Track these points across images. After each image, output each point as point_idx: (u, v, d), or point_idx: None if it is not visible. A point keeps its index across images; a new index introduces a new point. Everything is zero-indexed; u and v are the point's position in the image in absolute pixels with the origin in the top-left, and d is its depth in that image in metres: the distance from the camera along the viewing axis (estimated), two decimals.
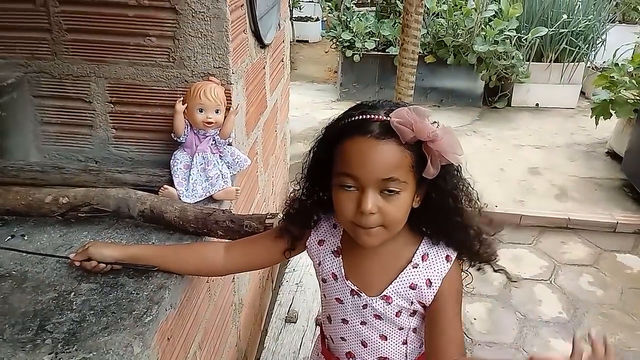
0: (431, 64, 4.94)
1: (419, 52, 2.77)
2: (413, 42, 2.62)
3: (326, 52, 6.55)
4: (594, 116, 3.86)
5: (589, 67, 5.20)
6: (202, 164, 1.32)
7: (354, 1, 5.65)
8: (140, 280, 1.02)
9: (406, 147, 0.84)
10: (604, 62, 4.91)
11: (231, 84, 1.37)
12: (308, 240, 1.06)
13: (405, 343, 1.04)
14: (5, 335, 0.85)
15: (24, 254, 1.06)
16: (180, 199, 1.27)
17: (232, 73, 1.37)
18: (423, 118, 0.83)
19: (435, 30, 4.78)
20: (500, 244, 2.98)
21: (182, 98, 1.31)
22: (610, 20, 5.39)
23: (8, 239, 1.13)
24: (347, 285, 1.01)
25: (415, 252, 0.97)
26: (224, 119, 1.32)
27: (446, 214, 0.93)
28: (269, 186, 2.14)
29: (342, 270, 1.02)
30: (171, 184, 1.30)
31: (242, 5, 1.44)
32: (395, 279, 0.97)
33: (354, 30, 4.98)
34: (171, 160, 1.33)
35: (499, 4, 4.69)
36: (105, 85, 1.38)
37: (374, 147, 0.84)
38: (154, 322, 0.92)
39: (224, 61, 1.34)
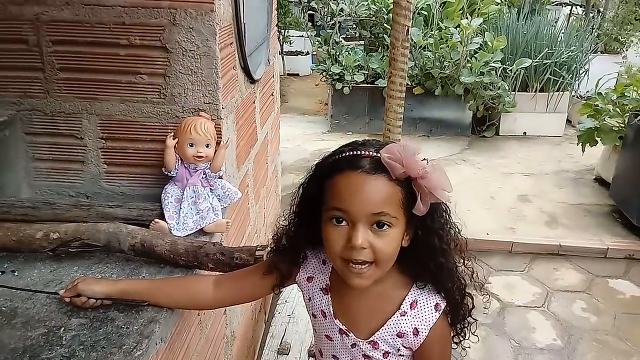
0: (419, 95, 5.03)
1: (407, 84, 2.84)
2: (400, 74, 2.68)
3: (316, 85, 6.66)
4: (581, 144, 3.93)
5: (574, 96, 5.32)
6: (192, 197, 1.34)
7: (342, 35, 5.78)
8: (130, 314, 1.02)
9: (396, 183, 0.85)
10: (587, 91, 5.03)
11: (221, 118, 1.40)
12: (297, 277, 1.06)
13: None
14: None
15: (14, 290, 1.06)
16: (171, 233, 1.28)
17: (222, 108, 1.40)
18: (413, 154, 0.84)
19: (423, 62, 4.89)
20: (492, 272, 2.97)
21: (172, 133, 1.34)
22: (593, 50, 5.54)
23: None
24: (336, 324, 1.01)
25: (404, 299, 0.96)
26: (215, 153, 1.35)
27: (431, 255, 0.93)
28: (261, 218, 2.16)
29: (331, 309, 1.01)
30: (162, 217, 1.31)
31: (231, 43, 1.49)
32: (383, 325, 0.96)
33: (343, 64, 5.08)
34: (162, 194, 1.34)
35: (484, 37, 4.82)
36: (97, 121, 1.40)
37: (365, 181, 0.85)
38: (144, 356, 0.92)
39: (214, 97, 1.37)
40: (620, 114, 3.73)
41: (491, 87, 4.79)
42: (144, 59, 1.34)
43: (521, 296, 2.79)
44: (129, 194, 1.45)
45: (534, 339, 2.47)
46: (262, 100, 2.10)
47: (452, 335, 1.00)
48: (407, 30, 2.57)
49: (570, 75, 5.13)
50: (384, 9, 5.14)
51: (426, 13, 5.16)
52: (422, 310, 0.95)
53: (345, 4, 5.35)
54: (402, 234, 0.89)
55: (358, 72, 5.10)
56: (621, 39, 6.18)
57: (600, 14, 6.64)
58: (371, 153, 0.87)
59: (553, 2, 7.36)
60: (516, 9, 5.94)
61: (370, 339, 0.97)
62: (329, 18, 5.51)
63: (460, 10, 5.21)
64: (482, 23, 4.93)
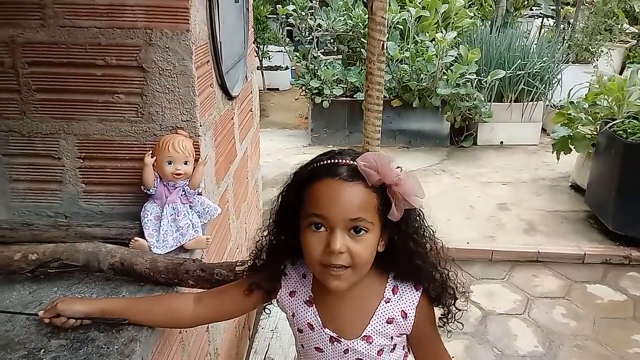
0: (398, 107, 5.10)
1: (385, 97, 2.88)
2: (377, 88, 2.72)
3: (296, 99, 6.70)
4: (555, 152, 4.02)
5: (548, 105, 5.45)
6: (172, 214, 1.34)
7: (320, 50, 5.84)
8: (110, 334, 1.02)
9: (372, 189, 0.89)
10: (560, 100, 5.15)
11: (199, 135, 1.41)
12: (279, 294, 1.06)
13: None
14: None
15: None
16: (151, 250, 1.29)
17: (200, 125, 1.42)
18: (387, 163, 0.89)
19: (400, 75, 4.97)
20: (474, 280, 3.01)
21: (151, 151, 1.35)
22: (564, 60, 5.69)
23: None
24: (326, 333, 1.02)
25: (385, 288, 1.01)
26: (193, 170, 1.36)
27: (408, 257, 0.97)
28: (242, 233, 2.16)
29: (319, 319, 1.02)
30: (142, 235, 1.31)
31: (208, 62, 1.51)
32: (372, 317, 1.00)
33: (322, 78, 5.13)
34: (141, 212, 1.35)
35: (459, 49, 4.92)
36: (75, 141, 1.40)
37: (342, 188, 0.88)
38: None
39: (191, 115, 1.39)
40: (592, 122, 3.83)
41: (467, 99, 4.88)
42: (120, 79, 1.35)
43: (502, 304, 2.82)
44: (108, 213, 1.45)
45: (516, 346, 2.49)
46: (241, 116, 2.11)
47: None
48: (383, 45, 2.62)
49: (544, 85, 5.25)
50: (360, 24, 5.21)
51: (402, 27, 5.25)
52: (404, 293, 1.01)
53: (323, 20, 5.42)
54: (378, 239, 0.93)
55: (337, 86, 5.16)
56: (591, 49, 6.35)
57: (571, 25, 6.83)
58: (348, 161, 0.91)
59: (525, 15, 7.55)
60: (489, 22, 6.08)
61: (363, 334, 1.00)
62: (307, 33, 5.57)
63: (435, 24, 5.32)
64: (456, 36, 5.03)
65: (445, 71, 4.86)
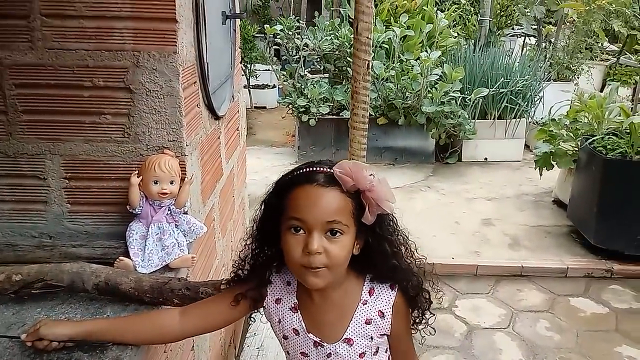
0: (383, 125, 5.16)
1: (371, 115, 2.93)
2: (363, 107, 2.76)
3: (283, 118, 6.74)
4: (538, 168, 4.09)
5: (530, 122, 5.55)
6: (158, 233, 1.35)
7: (307, 69, 5.91)
8: (94, 354, 1.02)
9: (347, 195, 0.97)
10: (542, 117, 5.25)
11: (185, 155, 1.43)
12: (265, 301, 1.11)
13: None
14: None
15: None
16: (136, 270, 1.29)
17: (186, 145, 1.44)
18: (361, 170, 0.96)
19: (386, 93, 5.04)
20: (459, 295, 3.04)
21: (137, 171, 1.36)
22: (546, 78, 5.81)
23: None
24: (310, 338, 1.07)
25: (362, 291, 1.07)
26: (179, 189, 1.38)
27: (384, 258, 1.03)
28: (228, 251, 2.17)
29: (303, 325, 1.08)
30: (127, 255, 1.32)
31: (194, 82, 1.53)
32: (352, 319, 1.05)
33: (308, 97, 5.18)
34: (127, 232, 1.36)
35: (443, 68, 5.01)
36: (61, 162, 1.41)
37: (319, 193, 0.96)
38: None
39: (177, 135, 1.41)
40: (574, 138, 3.91)
41: (452, 116, 4.96)
42: (108, 100, 1.37)
43: (487, 318, 2.85)
44: (93, 233, 1.46)
45: None
46: (228, 135, 2.14)
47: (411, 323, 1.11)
48: (368, 65, 2.67)
49: (526, 103, 5.35)
50: (346, 44, 5.29)
51: (387, 46, 5.33)
52: (380, 294, 1.06)
53: (309, 39, 5.49)
54: (353, 242, 0.99)
55: (323, 104, 5.21)
56: (572, 67, 6.49)
57: (552, 44, 6.98)
58: (325, 169, 0.99)
59: (507, 34, 7.71)
60: (472, 41, 6.20)
61: (344, 337, 1.05)
62: (293, 52, 5.63)
63: (419, 43, 5.42)
64: (440, 55, 5.13)
65: (430, 89, 4.94)
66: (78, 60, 1.34)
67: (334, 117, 5.26)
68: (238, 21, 2.41)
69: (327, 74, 5.89)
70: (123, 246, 1.34)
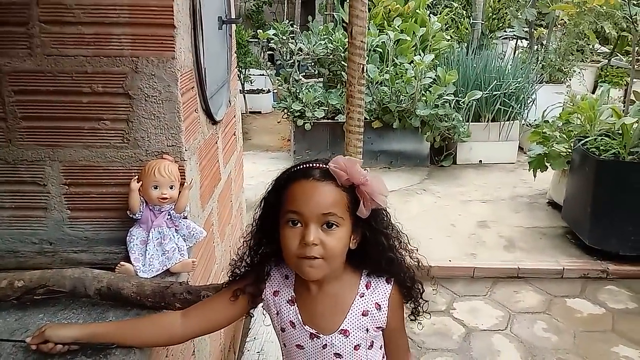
0: (378, 128, 5.18)
1: (366, 118, 2.94)
2: (358, 110, 2.78)
3: (278, 122, 6.75)
4: (532, 169, 4.12)
5: (524, 124, 5.58)
6: (158, 238, 1.36)
7: (302, 73, 5.93)
8: (98, 358, 1.02)
9: (342, 189, 1.01)
10: (535, 119, 5.29)
11: (184, 160, 1.44)
12: (264, 293, 1.13)
13: None
14: None
15: None
16: (137, 275, 1.30)
17: (185, 150, 1.44)
18: (355, 165, 1.00)
19: (380, 97, 5.06)
20: (456, 297, 3.05)
21: (137, 176, 1.37)
22: (538, 81, 5.85)
23: None
24: (306, 330, 1.09)
25: (359, 284, 1.10)
26: (179, 194, 1.38)
27: (381, 251, 1.07)
28: (227, 256, 2.17)
29: (299, 317, 1.10)
30: (128, 260, 1.32)
31: (192, 87, 1.54)
32: (349, 311, 1.08)
33: (303, 101, 5.19)
34: (127, 237, 1.36)
35: (436, 71, 5.04)
36: (60, 168, 1.42)
37: (315, 187, 1.00)
38: None
39: (176, 140, 1.42)
40: (567, 139, 3.94)
41: (446, 119, 4.99)
42: (106, 106, 1.38)
43: (485, 320, 2.86)
44: (93, 239, 1.46)
45: None
46: (225, 140, 2.15)
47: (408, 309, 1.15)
48: (363, 69, 2.69)
49: (519, 105, 5.39)
50: (340, 48, 5.31)
51: (381, 50, 5.36)
52: (376, 287, 1.10)
53: (304, 44, 5.51)
54: (349, 235, 1.03)
55: (318, 108, 5.23)
56: (564, 69, 6.54)
57: (544, 46, 7.04)
58: (321, 165, 1.04)
59: (499, 37, 7.77)
60: (465, 44, 6.25)
61: (340, 328, 1.08)
62: (288, 57, 5.65)
63: (413, 47, 5.45)
64: (434, 58, 5.15)
65: (424, 93, 4.96)
66: (77, 67, 1.35)
67: (329, 121, 5.27)
68: (234, 26, 2.42)
69: (322, 78, 5.91)
70: (124, 251, 1.35)
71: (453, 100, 5.04)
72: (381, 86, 5.11)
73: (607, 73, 7.32)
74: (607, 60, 6.94)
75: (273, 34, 5.55)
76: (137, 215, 1.36)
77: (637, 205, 3.22)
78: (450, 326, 2.81)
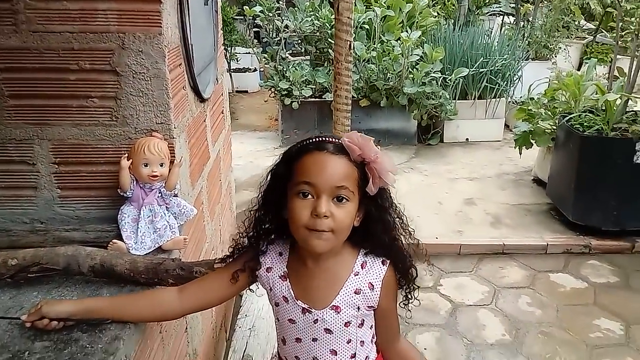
0: (366, 107, 5.18)
1: (354, 97, 2.94)
2: (345, 88, 2.79)
3: (265, 101, 6.71)
4: (517, 147, 4.16)
5: (510, 101, 5.62)
6: (149, 216, 1.37)
7: (288, 51, 5.87)
8: (93, 333, 1.04)
9: (354, 164, 1.03)
10: (521, 96, 5.32)
11: (174, 138, 1.44)
12: (259, 270, 1.15)
13: (353, 357, 1.14)
14: None
15: None
16: (129, 252, 1.30)
17: (175, 128, 1.44)
18: (369, 142, 1.02)
19: (367, 75, 5.05)
20: (443, 274, 3.09)
21: (126, 154, 1.36)
22: (524, 58, 5.87)
23: None
24: (298, 305, 1.11)
25: (354, 263, 1.12)
26: (169, 172, 1.38)
27: (384, 228, 1.09)
28: (217, 235, 2.18)
29: (292, 292, 1.12)
30: (120, 238, 1.33)
31: (180, 64, 1.53)
32: (342, 288, 1.10)
33: (290, 79, 5.16)
34: (118, 215, 1.36)
35: (423, 48, 5.03)
36: (49, 146, 1.41)
37: (330, 159, 1.01)
38: None
39: (165, 117, 1.41)
40: (552, 116, 3.98)
41: (433, 97, 5.00)
42: (94, 83, 1.37)
43: (471, 296, 2.92)
44: (84, 217, 1.46)
45: (485, 335, 2.59)
46: (213, 119, 2.14)
47: (400, 295, 1.17)
48: (350, 45, 2.69)
49: (505, 82, 5.41)
50: (327, 25, 5.27)
51: (368, 27, 5.33)
52: (371, 268, 1.11)
53: (290, 21, 5.45)
54: (356, 210, 1.04)
55: (306, 87, 5.20)
56: (550, 46, 6.58)
57: (530, 22, 7.05)
58: (335, 139, 1.05)
59: (486, 13, 7.75)
60: (452, 21, 6.23)
61: (332, 304, 1.10)
62: (274, 34, 5.59)
63: (400, 23, 5.42)
64: (421, 35, 5.13)
65: (411, 70, 4.96)
66: (63, 43, 1.33)
67: (317, 99, 5.25)
68: (219, 2, 2.39)
69: (309, 56, 5.86)
70: (115, 229, 1.35)
71: (440, 77, 5.05)
72: (368, 64, 5.09)
73: (593, 49, 7.37)
74: (592, 37, 6.98)
75: (259, 11, 5.48)
76: (128, 194, 1.36)
77: (620, 181, 3.29)
78: (437, 302, 2.86)
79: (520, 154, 4.21)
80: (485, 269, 3.19)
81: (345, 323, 1.11)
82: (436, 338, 2.57)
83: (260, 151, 5.24)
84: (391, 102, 5.09)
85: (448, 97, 5.10)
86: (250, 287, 1.18)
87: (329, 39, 5.24)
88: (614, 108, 3.41)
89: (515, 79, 5.62)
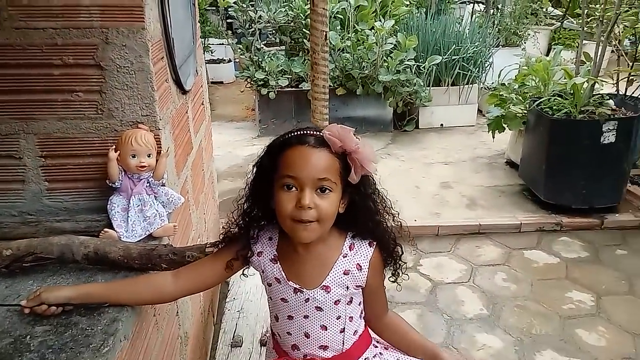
0: (342, 95, 5.25)
1: (330, 86, 3.00)
2: (322, 77, 2.83)
3: (242, 92, 6.71)
4: (490, 131, 4.28)
5: (482, 87, 5.75)
6: (139, 205, 1.41)
7: (263, 42, 5.88)
8: (92, 317, 1.08)
9: (335, 156, 1.07)
10: (493, 82, 5.45)
11: (159, 129, 1.47)
12: (251, 257, 1.20)
13: (342, 331, 1.21)
14: None
15: None
16: (121, 240, 1.35)
17: (160, 119, 1.48)
18: (349, 133, 1.06)
19: (343, 64, 5.10)
20: (423, 254, 3.19)
21: (114, 146, 1.40)
22: (495, 44, 6.00)
23: None
24: (290, 286, 1.17)
25: (343, 245, 1.18)
26: (156, 162, 1.43)
27: (368, 214, 1.15)
28: (202, 223, 2.23)
29: (283, 274, 1.18)
30: (110, 227, 1.37)
31: (162, 58, 1.56)
32: (331, 270, 1.16)
33: (266, 70, 5.19)
34: (108, 205, 1.40)
35: (397, 37, 5.11)
36: (35, 140, 1.43)
37: (311, 153, 1.06)
38: (111, 352, 0.99)
39: (151, 109, 1.45)
40: (522, 101, 4.10)
41: (407, 84, 5.09)
42: (79, 77, 1.39)
43: (450, 274, 3.03)
44: (73, 209, 1.49)
45: (464, 311, 2.70)
46: (194, 110, 2.17)
47: (388, 274, 1.24)
48: (326, 35, 2.73)
49: (477, 69, 5.54)
50: (301, 15, 5.30)
51: (342, 17, 5.37)
52: (359, 249, 1.18)
53: (264, 11, 5.46)
54: (340, 199, 1.10)
55: (282, 76, 5.23)
56: (519, 33, 6.72)
57: (499, 10, 7.18)
58: (316, 132, 1.09)
59: (456, 1, 7.86)
60: (424, 10, 6.31)
61: (322, 284, 1.16)
62: (248, 25, 5.59)
63: (373, 12, 5.47)
64: (394, 24, 5.21)
65: (385, 58, 5.03)
66: (46, 39, 1.35)
67: (294, 89, 5.29)
68: None
69: (284, 46, 5.88)
70: (105, 219, 1.39)
71: (414, 65, 5.14)
72: (343, 53, 5.14)
73: (560, 35, 7.54)
74: (560, 23, 7.15)
75: (232, 2, 5.47)
76: (116, 184, 1.40)
77: (588, 161, 3.43)
78: (418, 281, 2.96)
79: (493, 137, 4.33)
80: (463, 248, 3.31)
81: (335, 301, 1.18)
82: (417, 315, 2.66)
83: (239, 141, 5.27)
84: (367, 90, 5.16)
85: (422, 84, 5.19)
86: (244, 273, 1.24)
87: (304, 29, 5.28)
88: (582, 92, 3.54)
89: (486, 65, 5.75)
